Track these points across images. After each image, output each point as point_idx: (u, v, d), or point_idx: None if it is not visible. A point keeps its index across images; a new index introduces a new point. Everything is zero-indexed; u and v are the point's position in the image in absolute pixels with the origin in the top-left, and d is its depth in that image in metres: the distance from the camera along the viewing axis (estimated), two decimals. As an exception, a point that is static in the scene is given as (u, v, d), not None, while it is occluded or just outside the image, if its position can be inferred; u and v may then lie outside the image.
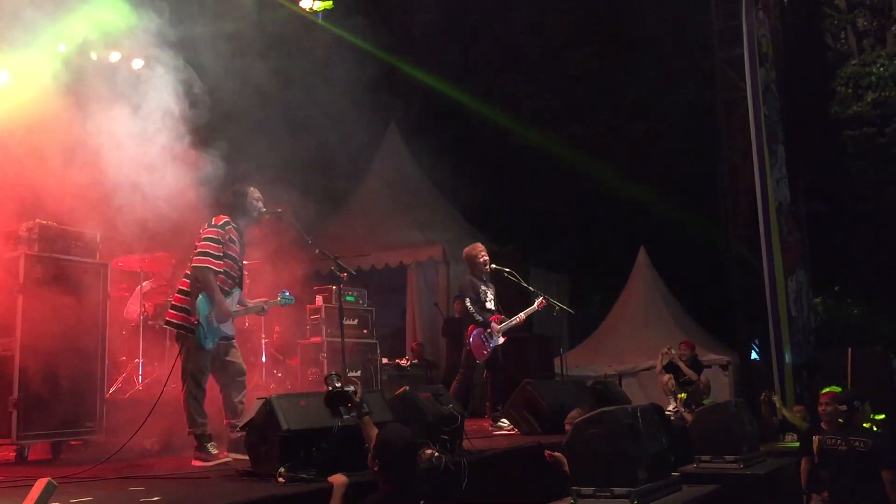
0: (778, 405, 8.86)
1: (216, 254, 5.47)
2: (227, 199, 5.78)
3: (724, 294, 12.60)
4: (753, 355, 12.23)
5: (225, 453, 5.43)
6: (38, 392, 5.83)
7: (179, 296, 5.57)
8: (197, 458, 5.38)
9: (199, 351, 5.43)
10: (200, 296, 5.40)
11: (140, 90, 8.66)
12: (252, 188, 5.80)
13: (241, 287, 5.77)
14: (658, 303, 13.47)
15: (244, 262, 6.03)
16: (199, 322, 5.35)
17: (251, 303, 5.94)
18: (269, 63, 9.44)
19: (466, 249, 8.16)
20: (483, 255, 7.98)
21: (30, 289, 5.87)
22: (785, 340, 10.60)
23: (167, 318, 5.67)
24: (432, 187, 14.16)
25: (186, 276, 5.58)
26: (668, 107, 14.38)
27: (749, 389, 11.14)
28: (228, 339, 5.65)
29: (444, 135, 13.59)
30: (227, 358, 5.62)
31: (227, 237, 5.56)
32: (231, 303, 5.60)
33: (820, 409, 6.48)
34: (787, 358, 10.61)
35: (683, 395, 9.68)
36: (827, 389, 6.70)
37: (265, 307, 6.00)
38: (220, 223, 5.58)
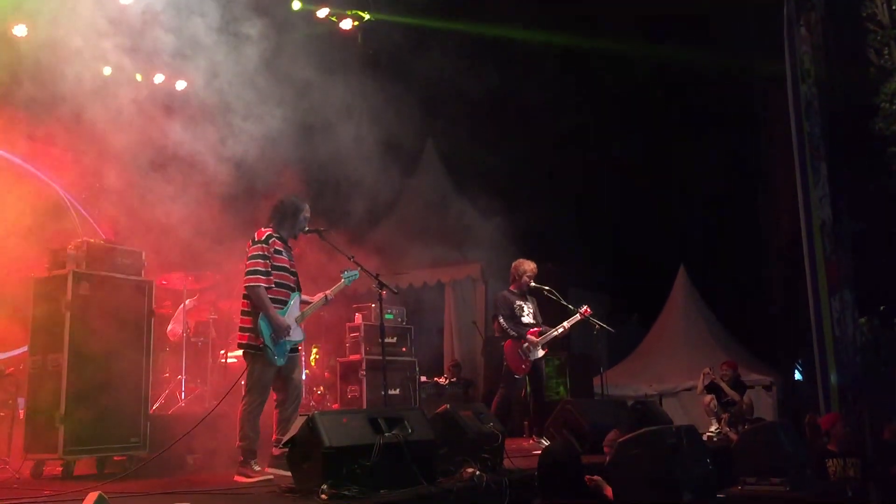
0: None
1: (263, 270, 5.56)
2: (278, 208, 5.86)
3: (766, 313, 12.42)
4: (797, 376, 12.02)
5: (266, 470, 5.47)
6: (84, 407, 5.92)
7: (242, 317, 5.68)
8: (240, 474, 5.44)
9: (267, 367, 5.54)
10: (259, 317, 5.50)
11: (186, 110, 8.88)
12: (306, 205, 5.92)
13: (299, 291, 5.86)
14: (698, 322, 13.30)
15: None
16: (265, 344, 5.46)
17: (313, 299, 6.00)
18: (308, 80, 9.58)
19: (517, 262, 8.10)
20: (530, 273, 7.95)
21: (77, 305, 5.99)
22: (830, 361, 10.39)
23: (238, 340, 5.74)
24: (470, 205, 14.18)
25: (245, 296, 5.67)
26: (710, 124, 14.27)
27: (794, 411, 10.95)
28: (296, 349, 5.81)
29: (483, 152, 13.61)
30: (291, 375, 5.74)
31: (271, 250, 5.65)
32: (291, 310, 5.71)
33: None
34: (833, 379, 10.39)
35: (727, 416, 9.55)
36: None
37: (328, 297, 6.03)
38: (263, 238, 5.67)
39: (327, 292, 6.05)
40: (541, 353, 7.82)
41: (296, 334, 5.73)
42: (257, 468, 5.44)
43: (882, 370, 10.52)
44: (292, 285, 5.80)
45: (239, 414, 5.57)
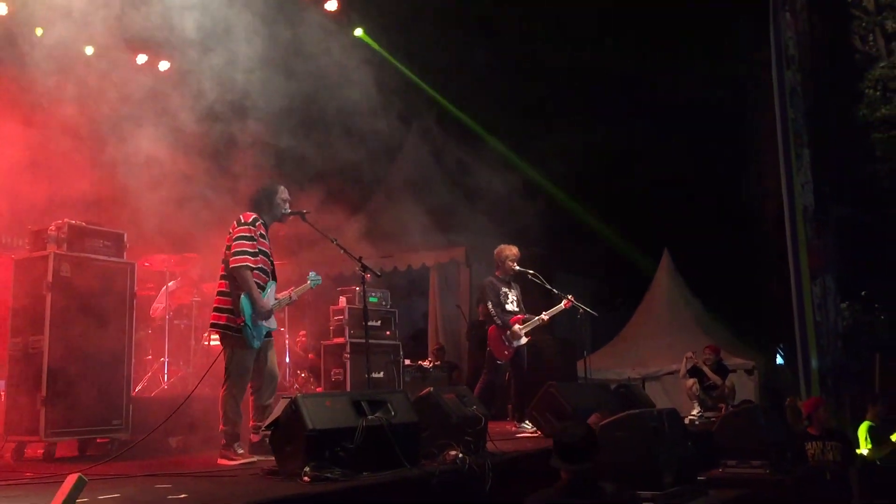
0: None
1: (251, 251, 5.52)
2: (255, 195, 5.82)
3: (749, 298, 12.49)
4: (779, 360, 12.13)
5: (248, 455, 5.48)
6: (66, 390, 5.90)
7: (220, 297, 5.62)
8: (223, 457, 5.43)
9: (246, 350, 5.50)
10: (242, 296, 5.46)
11: (169, 93, 8.79)
12: (281, 187, 5.86)
13: (275, 280, 5.84)
14: (682, 306, 13.36)
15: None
16: (245, 323, 5.42)
17: (279, 296, 5.97)
18: (294, 64, 9.51)
19: (499, 248, 8.09)
20: (513, 257, 7.95)
21: (58, 287, 5.95)
22: (811, 345, 10.49)
23: (212, 321, 5.68)
24: (456, 189, 14.15)
25: (223, 276, 5.63)
26: (696, 109, 14.29)
27: (775, 394, 11.05)
28: (270, 336, 5.75)
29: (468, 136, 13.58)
30: (265, 359, 5.69)
31: (257, 233, 5.62)
32: (269, 297, 5.68)
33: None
34: (814, 363, 10.50)
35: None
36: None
37: (293, 296, 6.02)
38: (250, 220, 5.63)
39: (292, 292, 6.01)
40: (524, 340, 7.87)
41: (270, 323, 5.68)
42: (240, 451, 5.43)
43: (863, 355, 10.63)
44: (270, 272, 5.77)
45: (221, 398, 5.54)
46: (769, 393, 11.45)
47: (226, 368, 5.57)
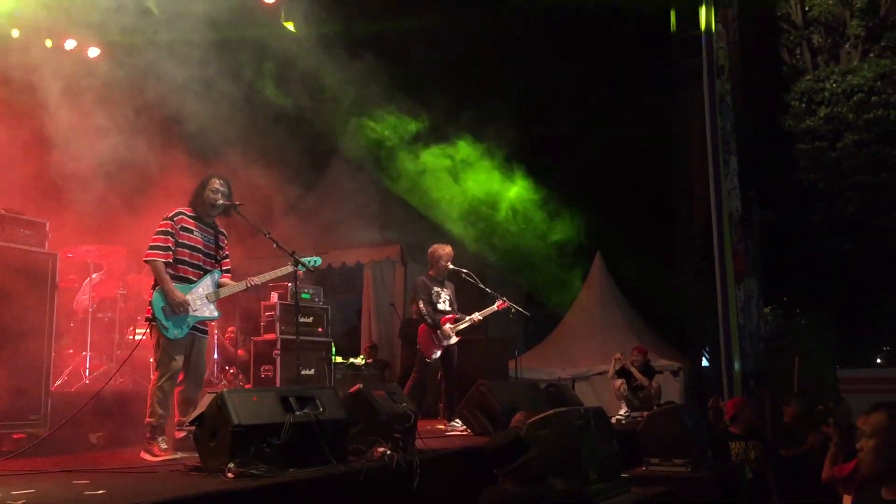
0: None
1: (163, 245, 5.54)
2: (195, 188, 5.81)
3: (677, 301, 12.77)
4: (704, 362, 12.43)
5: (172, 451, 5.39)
6: (-19, 383, 5.68)
7: (151, 289, 5.62)
8: (146, 452, 5.34)
9: (166, 341, 5.46)
10: (156, 289, 5.50)
11: (96, 79, 8.57)
12: (214, 179, 5.79)
13: (215, 272, 5.80)
14: (613, 308, 13.60)
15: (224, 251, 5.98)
16: (153, 315, 5.43)
17: (239, 283, 5.90)
18: (230, 56, 9.37)
19: (433, 247, 8.11)
20: (446, 257, 7.98)
21: (-25, 277, 5.72)
22: (734, 348, 10.79)
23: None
24: (391, 185, 14.11)
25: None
26: (626, 113, 14.55)
27: (699, 395, 11.32)
28: (202, 330, 5.72)
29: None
30: (193, 352, 5.64)
31: (178, 227, 5.62)
32: (202, 288, 5.66)
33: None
34: (736, 365, 10.80)
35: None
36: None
37: (250, 284, 5.93)
38: (171, 214, 5.66)
39: (252, 279, 5.97)
40: (454, 339, 7.91)
41: (203, 310, 5.65)
42: (164, 446, 5.34)
43: (784, 357, 10.96)
44: (202, 265, 5.72)
45: (149, 390, 5.48)
46: (694, 394, 11.73)
47: (154, 359, 5.54)
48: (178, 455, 5.28)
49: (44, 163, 7.89)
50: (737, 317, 10.80)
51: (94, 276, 8.22)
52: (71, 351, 8.03)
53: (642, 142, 14.50)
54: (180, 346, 5.53)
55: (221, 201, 5.77)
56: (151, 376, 5.55)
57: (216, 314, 5.81)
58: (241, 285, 5.91)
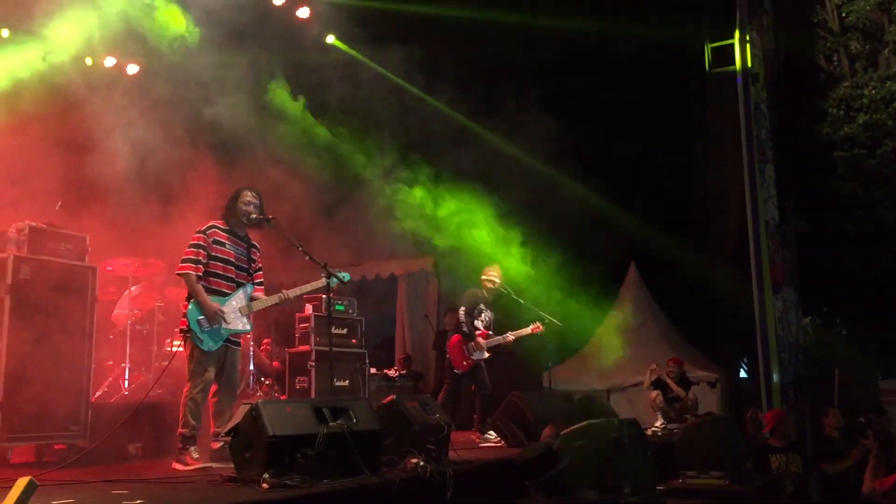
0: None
1: (195, 258, 5.60)
2: (225, 202, 5.87)
3: (713, 311, 12.62)
4: (742, 373, 12.26)
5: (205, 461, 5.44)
6: (23, 395, 5.79)
7: (185, 302, 5.67)
8: (178, 461, 5.40)
9: (200, 353, 5.51)
10: (192, 300, 5.55)
11: (136, 96, 8.73)
12: (245, 191, 5.84)
13: (248, 285, 5.84)
14: (648, 319, 13.46)
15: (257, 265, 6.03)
16: (189, 327, 5.48)
17: (272, 297, 5.96)
18: (267, 73, 9.50)
19: (486, 268, 8.33)
20: (496, 279, 8.13)
21: (18, 290, 5.85)
22: (773, 359, 10.62)
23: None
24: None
25: None
26: (659, 123, 14.45)
27: (737, 407, 11.16)
28: (235, 342, 5.77)
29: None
30: (226, 364, 5.70)
31: (210, 240, 5.66)
32: (235, 301, 5.70)
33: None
34: (775, 377, 10.63)
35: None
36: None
37: (286, 296, 5.96)
38: (203, 227, 5.71)
39: (287, 291, 6.00)
40: (485, 354, 7.99)
41: (236, 324, 5.69)
42: (196, 456, 5.39)
43: (824, 369, 10.79)
44: (235, 278, 5.76)
45: (182, 401, 5.54)
46: (731, 405, 11.57)
47: (188, 370, 5.59)
48: (211, 464, 5.33)
49: (83, 177, 8.05)
50: (775, 327, 10.64)
51: (132, 288, 8.35)
52: (110, 362, 8.17)
53: (675, 150, 14.38)
54: (213, 357, 5.59)
55: (255, 214, 5.81)
56: (186, 386, 5.60)
57: (248, 327, 5.85)
58: (274, 299, 5.96)
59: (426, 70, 11.13)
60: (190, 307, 5.53)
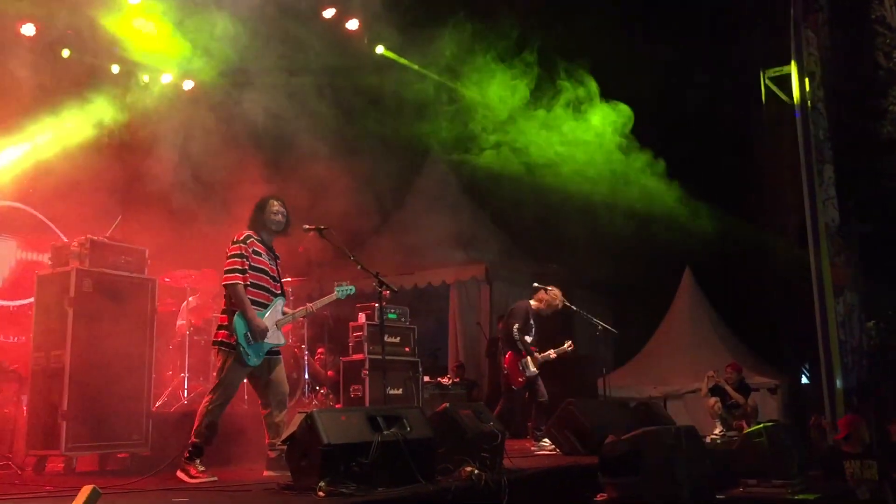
0: None
1: (241, 268, 5.45)
2: (251, 213, 5.73)
3: (772, 316, 12.35)
4: (804, 379, 11.95)
5: (264, 473, 5.49)
6: (87, 404, 5.96)
7: (222, 314, 5.59)
8: (182, 472, 5.30)
9: (239, 366, 5.41)
10: (236, 314, 5.40)
11: (189, 111, 8.93)
12: (272, 200, 5.71)
13: (282, 296, 5.76)
14: (704, 324, 13.24)
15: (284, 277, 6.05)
16: (238, 342, 5.35)
17: (291, 310, 5.95)
18: (316, 83, 9.61)
19: (552, 290, 8.31)
20: (559, 301, 8.18)
21: (80, 302, 6.03)
22: (835, 364, 10.33)
23: (213, 338, 5.65)
24: (476, 205, 14.15)
25: (225, 294, 5.56)
26: (714, 125, 14.23)
27: (799, 414, 10.89)
28: (275, 353, 5.66)
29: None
30: (272, 377, 5.60)
31: (250, 250, 5.53)
32: (273, 314, 5.61)
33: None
34: (838, 382, 10.34)
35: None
36: None
37: (311, 309, 5.98)
38: (242, 237, 5.56)
39: (310, 305, 5.99)
40: (535, 370, 8.00)
41: (274, 337, 5.57)
42: (201, 469, 5.29)
43: (890, 374, 10.48)
44: (272, 289, 5.65)
45: (200, 409, 5.44)
46: (793, 412, 11.29)
47: (215, 379, 5.49)
48: (215, 478, 5.25)
49: (141, 191, 8.26)
50: (837, 331, 10.36)
51: (190, 299, 8.51)
52: (170, 372, 8.33)
53: (732, 153, 14.13)
54: (247, 370, 5.51)
55: (283, 221, 5.72)
56: (207, 395, 5.49)
57: (282, 341, 5.75)
58: (301, 312, 5.99)
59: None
60: (236, 320, 5.37)
